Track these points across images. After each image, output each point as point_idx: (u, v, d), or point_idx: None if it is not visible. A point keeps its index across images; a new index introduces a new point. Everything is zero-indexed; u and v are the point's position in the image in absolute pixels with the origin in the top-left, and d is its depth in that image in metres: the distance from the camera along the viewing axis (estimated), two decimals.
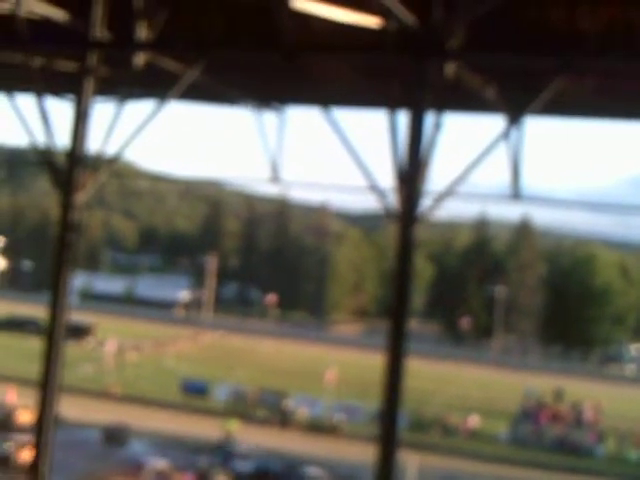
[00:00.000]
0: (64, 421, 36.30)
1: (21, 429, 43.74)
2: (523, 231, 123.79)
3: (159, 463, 40.01)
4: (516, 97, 12.41)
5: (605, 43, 11.35)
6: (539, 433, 57.26)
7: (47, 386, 14.43)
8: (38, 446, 14.31)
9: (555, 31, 11.44)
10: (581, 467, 52.12)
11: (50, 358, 14.50)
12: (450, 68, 11.79)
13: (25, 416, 44.74)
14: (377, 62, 13.15)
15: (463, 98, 13.12)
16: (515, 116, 12.65)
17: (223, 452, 44.41)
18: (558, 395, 63.98)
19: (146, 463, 39.54)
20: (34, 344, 41.11)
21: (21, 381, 52.37)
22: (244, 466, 42.29)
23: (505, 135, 13.01)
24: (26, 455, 38.44)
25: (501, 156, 13.59)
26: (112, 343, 74.22)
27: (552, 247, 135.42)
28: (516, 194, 13.86)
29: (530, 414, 60.18)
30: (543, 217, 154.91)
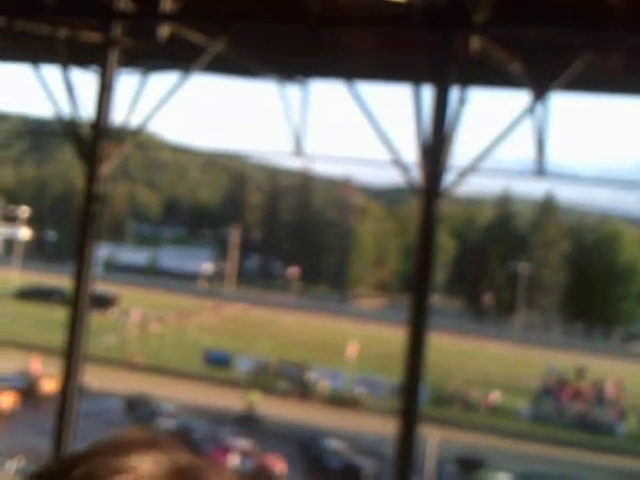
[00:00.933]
0: (88, 390, 36.74)
1: (45, 398, 44.31)
2: (547, 208, 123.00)
3: (243, 443, 40.42)
4: (542, 72, 12.32)
5: (633, 19, 11.21)
6: (560, 410, 57.24)
7: (71, 355, 14.59)
8: (62, 415, 14.49)
9: (582, 6, 11.31)
10: (602, 444, 52.09)
11: (74, 328, 14.65)
12: (475, 42, 11.71)
13: (49, 385, 45.23)
14: (402, 36, 13.07)
15: (488, 73, 13.04)
16: (540, 91, 12.56)
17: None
18: (580, 372, 63.87)
19: (230, 444, 39.94)
20: (59, 314, 41.52)
21: (46, 350, 52.94)
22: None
23: (530, 111, 12.92)
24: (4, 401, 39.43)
25: (526, 132, 13.51)
26: (136, 313, 74.81)
27: (576, 224, 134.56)
28: (540, 170, 13.79)
29: (551, 391, 60.14)
30: (567, 194, 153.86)
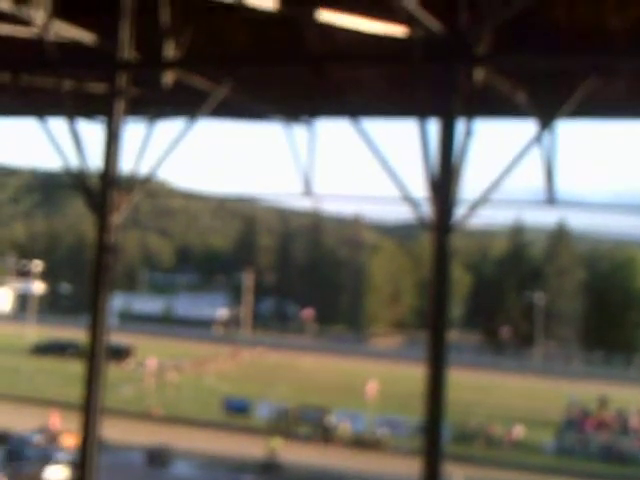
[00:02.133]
0: (107, 444, 36.46)
1: (66, 453, 44.03)
2: (559, 236, 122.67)
3: None
4: (547, 100, 12.29)
5: (635, 42, 11.19)
6: (585, 442, 56.49)
7: (89, 409, 14.48)
8: (83, 469, 14.34)
9: (584, 32, 11.30)
10: (629, 474, 51.32)
11: (91, 381, 14.55)
12: (479, 73, 11.69)
13: (69, 440, 44.98)
14: (404, 71, 13.08)
15: (493, 104, 13.02)
16: (547, 120, 12.52)
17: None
18: (603, 402, 63.10)
19: None
20: (75, 368, 41.40)
21: (64, 405, 52.76)
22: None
23: (537, 139, 12.87)
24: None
25: (534, 161, 13.44)
26: (152, 363, 74.53)
27: (590, 251, 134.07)
28: (551, 199, 13.70)
29: (575, 423, 59.40)
30: (579, 221, 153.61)
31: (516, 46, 11.53)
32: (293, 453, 49.16)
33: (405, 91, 13.19)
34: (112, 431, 38.00)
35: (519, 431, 58.28)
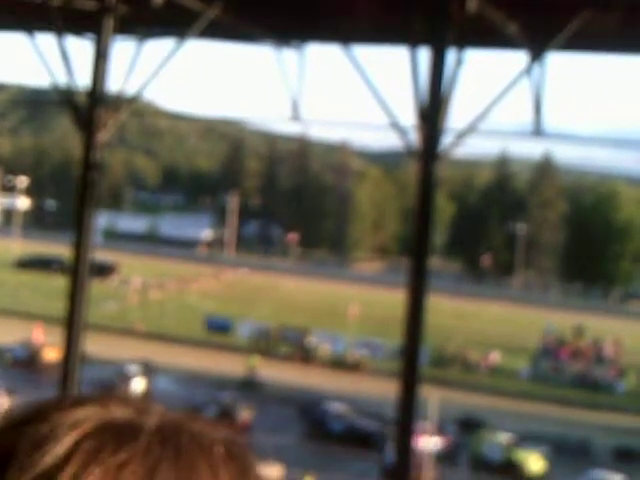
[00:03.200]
0: (89, 358, 36.93)
1: (48, 366, 44.60)
2: (544, 168, 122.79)
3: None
4: (539, 32, 12.28)
5: None
6: (559, 369, 57.64)
7: (72, 324, 14.68)
8: (65, 382, 14.61)
9: None
10: (601, 403, 52.53)
11: (75, 296, 14.72)
12: (472, 3, 11.65)
13: (52, 353, 45.47)
14: None
15: (485, 34, 12.98)
16: (538, 52, 12.53)
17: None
18: (578, 331, 64.21)
19: None
20: (59, 282, 41.63)
21: (47, 319, 53.16)
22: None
23: (527, 71, 12.90)
24: None
25: (523, 93, 13.50)
26: (136, 281, 75.00)
27: (574, 184, 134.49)
28: (538, 131, 13.79)
29: (550, 350, 60.52)
30: (565, 154, 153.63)
31: None
32: (273, 372, 49.97)
33: (397, 18, 13.14)
34: (95, 346, 38.50)
35: (495, 357, 59.37)
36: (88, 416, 0.80)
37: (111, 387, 42.63)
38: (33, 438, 0.78)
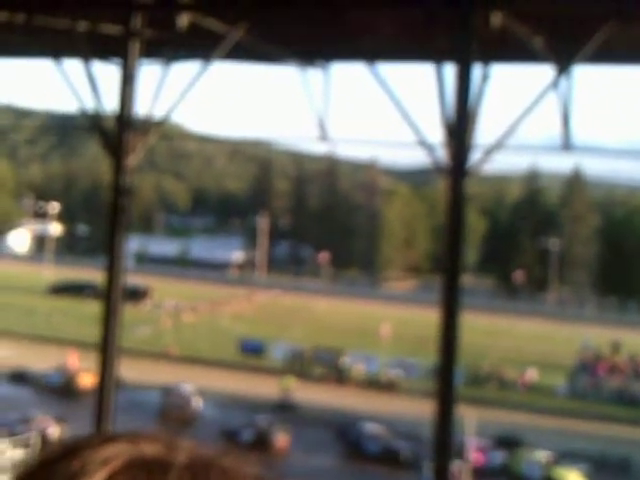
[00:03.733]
0: (124, 383, 37.02)
1: (83, 392, 44.77)
2: (575, 182, 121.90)
3: None
4: (564, 46, 12.17)
5: None
6: (597, 385, 56.93)
7: (107, 349, 14.69)
8: (101, 408, 14.61)
9: None
10: None
11: (108, 321, 14.74)
12: (496, 18, 11.58)
13: (87, 379, 45.64)
14: (422, 15, 12.96)
15: (510, 48, 12.90)
16: (564, 65, 12.41)
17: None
18: (615, 347, 63.41)
19: None
20: (93, 308, 41.88)
21: (81, 345, 53.44)
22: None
23: (554, 85, 12.79)
24: None
25: (551, 107, 13.38)
26: (169, 304, 75.28)
27: (605, 197, 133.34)
28: (567, 145, 13.65)
29: (588, 366, 59.80)
30: (595, 167, 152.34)
31: None
32: (307, 393, 49.80)
33: (422, 35, 13.09)
34: (129, 371, 38.64)
35: (532, 374, 58.75)
36: (118, 453, 0.81)
37: (172, 409, 43.12)
38: (65, 475, 0.80)
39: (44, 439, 36.09)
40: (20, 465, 0.83)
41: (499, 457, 40.80)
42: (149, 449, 0.84)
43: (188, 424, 42.99)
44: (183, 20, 13.75)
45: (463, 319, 12.36)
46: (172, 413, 44.12)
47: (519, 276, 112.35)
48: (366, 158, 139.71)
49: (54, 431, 37.89)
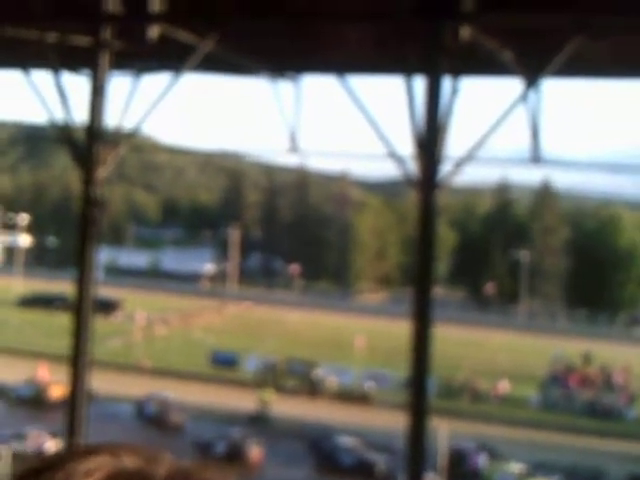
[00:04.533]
0: (96, 395, 36.72)
1: (54, 405, 44.35)
2: (545, 194, 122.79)
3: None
4: (533, 59, 12.29)
5: (621, 2, 11.18)
6: (569, 397, 57.24)
7: (78, 361, 14.59)
8: (72, 420, 14.49)
9: None
10: (612, 430, 52.03)
11: (79, 333, 14.65)
12: (465, 31, 11.67)
13: (58, 391, 45.27)
14: (391, 27, 13.04)
15: (480, 62, 13.00)
16: (533, 78, 12.54)
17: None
18: (587, 358, 63.87)
19: None
20: (63, 320, 41.52)
21: (52, 357, 52.99)
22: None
23: (523, 98, 12.90)
24: None
25: (520, 119, 13.49)
26: (140, 317, 74.85)
27: (575, 210, 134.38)
28: (536, 157, 13.77)
29: (559, 378, 60.16)
30: (564, 180, 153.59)
31: (502, 3, 11.50)
32: (281, 406, 49.67)
33: (391, 48, 13.16)
34: (101, 383, 38.32)
35: (504, 386, 58.99)
36: (100, 465, 0.83)
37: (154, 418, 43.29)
38: None
39: (40, 455, 35.62)
40: (3, 478, 0.88)
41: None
42: (130, 462, 0.85)
43: (173, 432, 43.01)
44: (153, 31, 13.72)
45: (435, 331, 12.40)
46: (154, 421, 44.17)
47: (490, 288, 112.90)
48: (337, 170, 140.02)
49: (50, 446, 37.43)
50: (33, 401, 47.84)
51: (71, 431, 14.39)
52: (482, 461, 41.49)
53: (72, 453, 0.85)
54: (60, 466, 0.83)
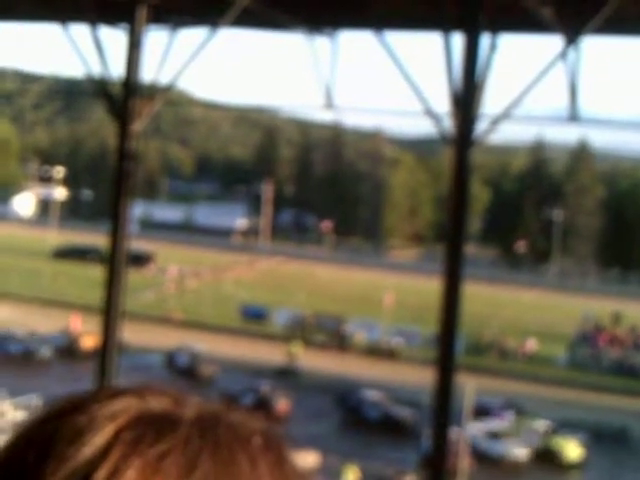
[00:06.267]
0: (127, 346, 37.25)
1: (86, 354, 45.05)
2: (580, 154, 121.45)
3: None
4: (573, 16, 12.13)
5: None
6: (597, 356, 57.16)
7: (110, 313, 14.82)
8: (103, 371, 14.76)
9: None
10: (639, 389, 52.00)
11: (112, 285, 14.86)
12: None
13: (89, 342, 45.92)
14: None
15: (519, 19, 12.86)
16: (572, 36, 12.38)
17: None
18: (616, 318, 63.59)
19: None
20: (96, 272, 42.00)
21: (85, 308, 53.72)
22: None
23: (562, 56, 12.76)
24: None
25: (558, 78, 13.35)
26: (172, 270, 75.49)
27: (610, 170, 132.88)
28: (573, 116, 13.64)
29: (588, 337, 60.04)
30: (601, 139, 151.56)
31: None
32: (309, 360, 50.09)
33: (430, 4, 13.05)
34: (133, 334, 38.87)
35: (532, 344, 58.99)
36: (126, 407, 0.81)
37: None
38: (72, 429, 0.78)
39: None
40: (25, 420, 0.83)
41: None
42: (157, 404, 0.83)
43: (203, 383, 43.72)
44: None
45: (465, 288, 12.46)
46: (185, 372, 44.97)
47: (522, 246, 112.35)
48: (372, 127, 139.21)
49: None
50: (66, 351, 48.60)
51: (102, 381, 14.65)
52: (508, 417, 41.69)
53: (96, 395, 0.84)
54: (84, 409, 0.81)
